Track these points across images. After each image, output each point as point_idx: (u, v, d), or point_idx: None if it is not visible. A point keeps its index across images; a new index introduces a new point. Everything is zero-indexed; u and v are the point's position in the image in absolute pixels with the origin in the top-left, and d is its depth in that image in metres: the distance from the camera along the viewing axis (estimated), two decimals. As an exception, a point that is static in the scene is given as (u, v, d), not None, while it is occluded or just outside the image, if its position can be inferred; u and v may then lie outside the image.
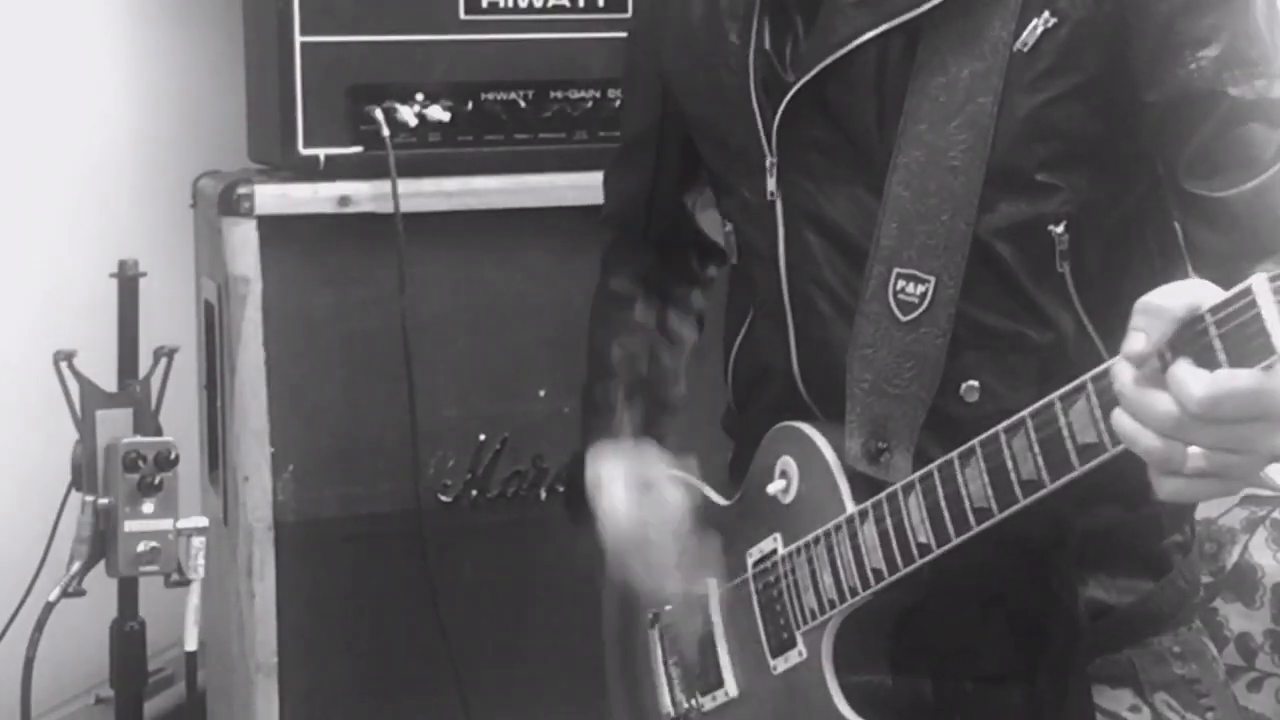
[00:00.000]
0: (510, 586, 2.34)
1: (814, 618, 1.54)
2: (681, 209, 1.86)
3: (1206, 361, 1.10)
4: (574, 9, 2.35)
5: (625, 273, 1.89)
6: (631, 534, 1.68)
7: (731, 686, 1.65)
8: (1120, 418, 1.16)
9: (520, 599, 2.34)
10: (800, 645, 1.56)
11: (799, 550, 1.56)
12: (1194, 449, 1.13)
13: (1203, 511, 2.29)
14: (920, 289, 1.48)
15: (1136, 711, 1.56)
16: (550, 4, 2.34)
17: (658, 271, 1.88)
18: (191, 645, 2.05)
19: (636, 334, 1.84)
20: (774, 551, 1.60)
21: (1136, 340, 1.14)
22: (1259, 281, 1.07)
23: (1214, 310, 1.10)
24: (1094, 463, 1.25)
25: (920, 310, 1.48)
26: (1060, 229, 1.46)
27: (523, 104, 2.33)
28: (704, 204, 1.86)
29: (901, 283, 1.49)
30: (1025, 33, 1.43)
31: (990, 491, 1.34)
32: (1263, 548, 2.27)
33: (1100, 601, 1.55)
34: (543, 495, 2.37)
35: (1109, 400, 1.20)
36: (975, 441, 1.35)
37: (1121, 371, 1.16)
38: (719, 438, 1.82)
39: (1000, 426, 1.32)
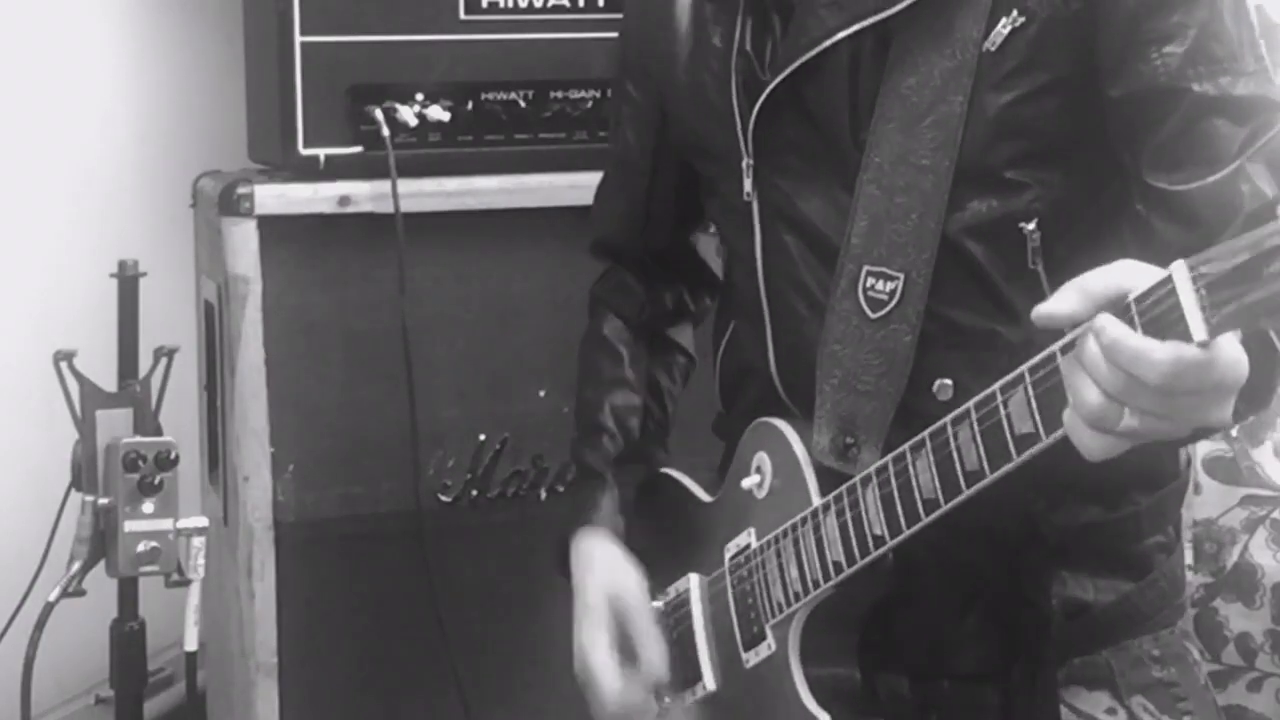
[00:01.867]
0: (510, 586, 2.34)
1: (781, 611, 1.55)
2: (677, 228, 1.86)
3: None
4: (574, 9, 2.35)
5: (615, 316, 1.88)
6: (613, 700, 1.69)
7: (709, 681, 1.66)
8: (1074, 370, 1.17)
9: (520, 599, 2.34)
10: (770, 639, 1.57)
11: (769, 544, 1.57)
12: (1128, 412, 1.15)
13: (1203, 511, 2.29)
14: (890, 286, 1.49)
15: (1113, 714, 1.57)
16: (550, 4, 2.34)
17: (649, 311, 1.88)
18: (191, 645, 2.05)
19: (627, 391, 1.84)
20: (748, 545, 1.61)
21: (1048, 304, 1.18)
22: (1178, 268, 1.09)
23: (1139, 299, 1.13)
24: (1030, 452, 1.26)
25: (889, 308, 1.49)
26: (1031, 226, 1.46)
27: (523, 104, 2.33)
28: (702, 226, 1.87)
29: (871, 280, 1.50)
30: (994, 32, 1.44)
31: (937, 482, 1.35)
32: (1263, 548, 2.27)
33: (1079, 600, 1.56)
34: (543, 495, 2.37)
35: (1044, 391, 1.23)
36: (926, 433, 1.36)
37: (1095, 329, 1.16)
38: (713, 440, 1.82)
39: (948, 417, 1.34)
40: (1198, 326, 1.08)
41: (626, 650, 1.70)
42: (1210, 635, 2.31)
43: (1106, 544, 1.57)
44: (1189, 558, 2.32)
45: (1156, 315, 1.11)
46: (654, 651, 1.67)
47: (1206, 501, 2.29)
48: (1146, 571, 1.59)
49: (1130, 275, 1.15)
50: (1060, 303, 1.18)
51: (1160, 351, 1.11)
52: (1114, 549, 1.58)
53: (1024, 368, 1.25)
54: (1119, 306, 1.14)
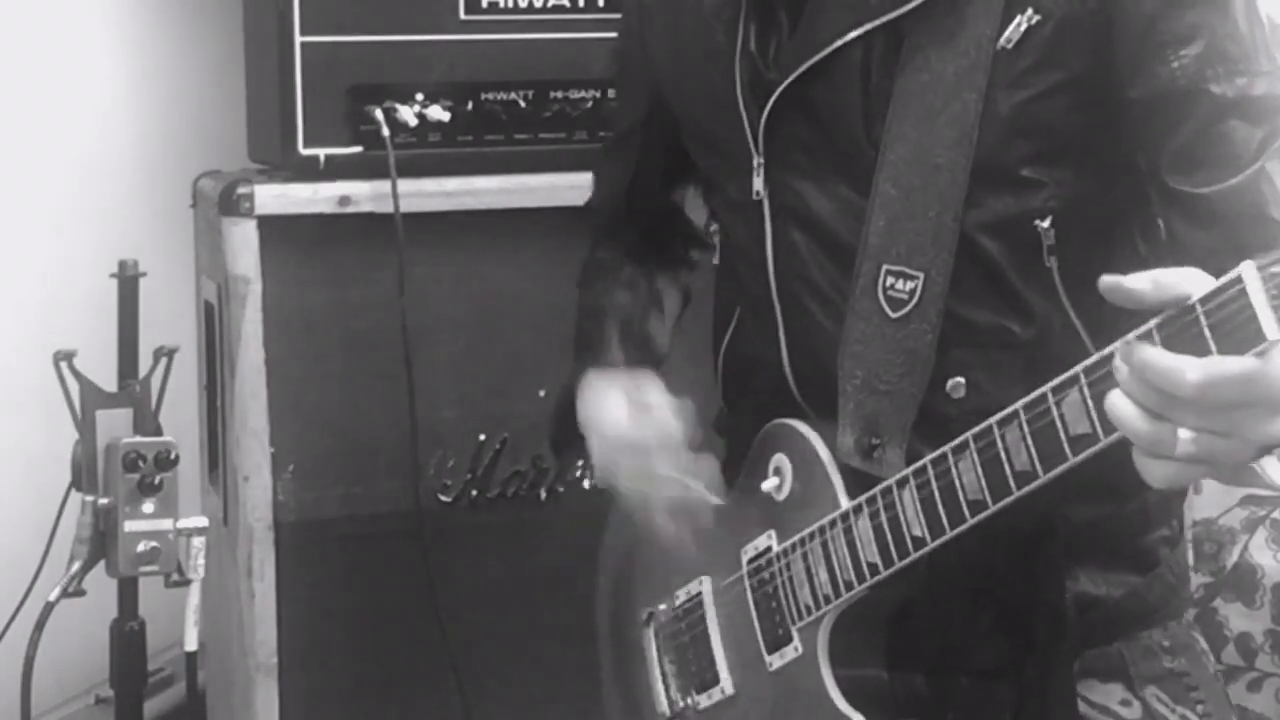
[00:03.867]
0: (510, 586, 2.34)
1: (809, 613, 1.54)
2: (667, 203, 1.87)
3: (1197, 350, 1.11)
4: (574, 9, 2.35)
5: (612, 245, 1.89)
6: (631, 445, 1.66)
7: (728, 684, 1.65)
8: (1116, 399, 1.16)
9: (520, 599, 2.34)
10: (796, 641, 1.56)
11: (794, 546, 1.56)
12: (1184, 433, 1.13)
13: (1203, 511, 2.29)
14: (910, 285, 1.49)
15: (1127, 705, 1.57)
16: (550, 4, 2.34)
17: (644, 248, 1.88)
18: (191, 645, 2.05)
19: (629, 289, 1.84)
20: (769, 548, 1.60)
21: (1123, 277, 1.15)
22: (1248, 269, 1.08)
23: (1204, 300, 1.12)
24: (1087, 453, 1.26)
25: (910, 307, 1.48)
26: (1046, 224, 1.47)
27: (523, 104, 2.33)
28: (693, 198, 1.87)
29: (891, 279, 1.49)
30: (1009, 30, 1.44)
31: (984, 483, 1.35)
32: (1263, 548, 2.27)
33: (1089, 595, 1.56)
34: (543, 495, 2.37)
35: (1100, 391, 1.21)
36: (968, 435, 1.36)
37: (1125, 353, 1.15)
38: (712, 439, 1.82)
39: (993, 419, 1.33)
40: (1271, 327, 1.07)
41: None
42: (1210, 635, 2.31)
43: (1115, 539, 1.58)
44: (1189, 558, 2.32)
45: (1226, 316, 1.10)
46: (672, 412, 1.65)
47: (1206, 501, 2.29)
48: (1153, 565, 1.60)
49: (1195, 280, 1.14)
50: (1132, 279, 1.15)
51: (1192, 366, 1.10)
52: (1122, 544, 1.59)
53: (1079, 368, 1.24)
54: (1184, 309, 1.13)
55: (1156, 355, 1.12)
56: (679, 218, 1.89)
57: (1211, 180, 1.39)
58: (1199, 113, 1.39)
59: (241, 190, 2.22)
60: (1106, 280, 1.17)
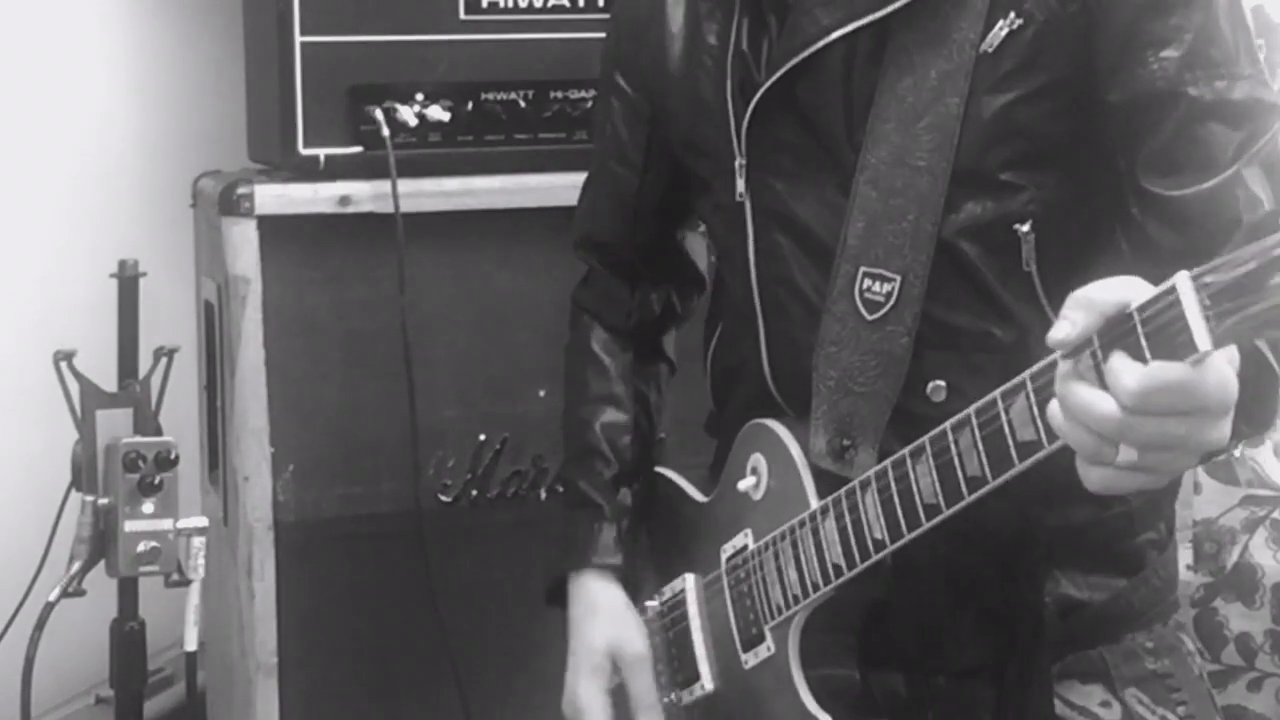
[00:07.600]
0: (510, 586, 2.34)
1: (780, 613, 1.55)
2: (666, 226, 1.85)
3: (1134, 357, 1.12)
4: (574, 9, 2.35)
5: (601, 326, 1.87)
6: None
7: (708, 681, 1.66)
8: (1054, 410, 1.17)
9: (520, 599, 2.34)
10: (769, 640, 1.58)
11: (766, 545, 1.57)
12: (1125, 445, 1.14)
13: (1203, 511, 2.29)
14: (886, 288, 1.49)
15: (1107, 707, 1.58)
16: (550, 4, 2.34)
17: (636, 318, 1.87)
18: (191, 645, 2.05)
19: (616, 409, 1.83)
20: (745, 547, 1.61)
21: (1061, 328, 1.15)
22: (1182, 279, 1.08)
23: (1141, 308, 1.11)
24: (1032, 459, 1.27)
25: (886, 309, 1.49)
26: (1026, 228, 1.47)
27: (523, 104, 2.33)
28: (691, 224, 1.87)
29: (868, 282, 1.50)
30: (990, 34, 1.44)
31: (938, 488, 1.36)
32: (1263, 548, 2.27)
33: (1072, 598, 1.56)
34: (543, 495, 2.37)
35: (1046, 398, 1.22)
36: (925, 438, 1.36)
37: (1061, 366, 1.16)
38: (707, 440, 1.82)
39: (949, 423, 1.34)
40: (1202, 337, 1.07)
41: (621, 707, 1.71)
42: (1210, 635, 2.31)
43: (1099, 542, 1.58)
44: (1189, 558, 2.32)
45: (1160, 325, 1.10)
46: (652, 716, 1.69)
47: (1206, 501, 2.29)
48: (1139, 568, 1.60)
49: (1132, 288, 1.14)
50: (1069, 326, 1.16)
51: (1104, 402, 1.11)
52: (1106, 547, 1.58)
53: (1025, 375, 1.25)
54: (1122, 316, 1.13)
55: (1077, 390, 1.13)
56: (676, 246, 1.88)
57: (1187, 183, 1.39)
58: (1177, 115, 1.39)
59: (241, 190, 2.22)
60: (1051, 341, 1.17)
